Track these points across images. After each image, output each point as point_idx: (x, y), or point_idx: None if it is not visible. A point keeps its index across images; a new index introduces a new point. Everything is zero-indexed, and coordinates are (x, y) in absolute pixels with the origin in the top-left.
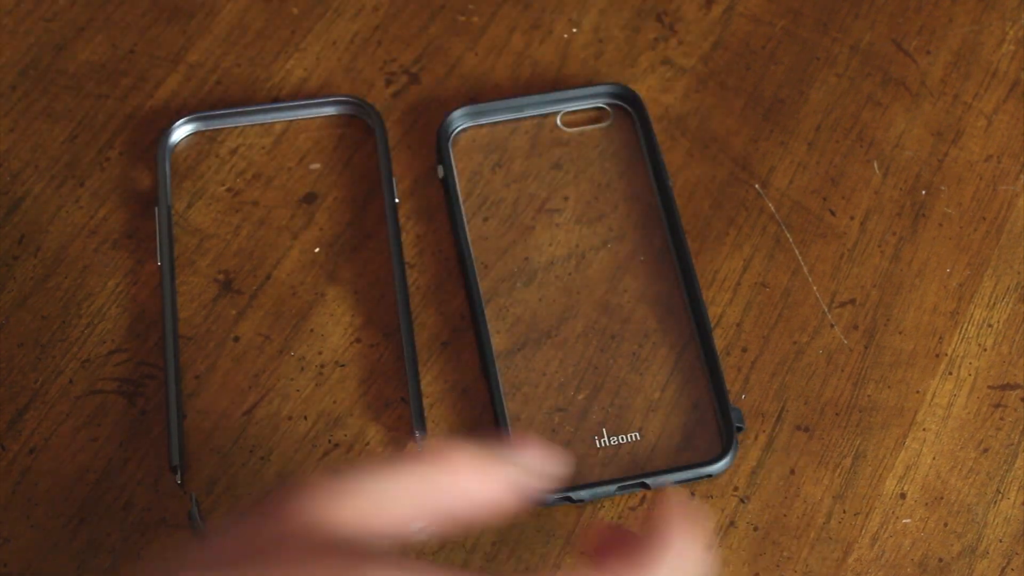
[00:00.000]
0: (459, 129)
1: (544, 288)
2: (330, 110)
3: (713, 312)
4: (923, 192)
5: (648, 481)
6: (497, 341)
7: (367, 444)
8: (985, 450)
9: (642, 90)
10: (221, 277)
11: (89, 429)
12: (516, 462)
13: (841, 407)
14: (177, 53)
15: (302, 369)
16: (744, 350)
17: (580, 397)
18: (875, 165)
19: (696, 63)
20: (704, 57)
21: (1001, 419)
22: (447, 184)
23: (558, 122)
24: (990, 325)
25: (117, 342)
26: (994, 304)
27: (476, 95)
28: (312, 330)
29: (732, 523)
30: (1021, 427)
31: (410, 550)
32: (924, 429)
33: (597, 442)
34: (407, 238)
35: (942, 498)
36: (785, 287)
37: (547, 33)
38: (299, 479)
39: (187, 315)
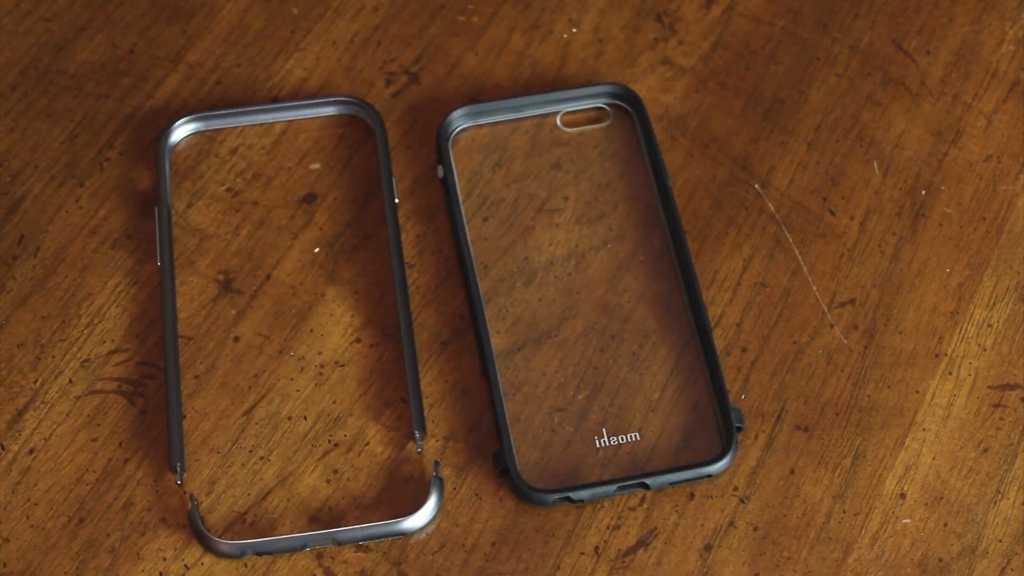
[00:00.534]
0: (459, 129)
1: (544, 288)
2: (330, 110)
3: (713, 312)
4: (923, 192)
5: (648, 481)
6: (497, 341)
7: (367, 444)
8: (985, 450)
9: (642, 90)
10: (221, 277)
11: (89, 429)
12: None
13: (841, 407)
14: (177, 53)
15: (302, 369)
16: (744, 350)
17: (580, 397)
18: (875, 165)
19: (696, 63)
20: (704, 57)
21: (1001, 419)
22: (447, 184)
23: (558, 122)
24: (990, 325)
25: (117, 342)
26: (994, 304)
27: (476, 95)
28: (312, 330)
29: (732, 523)
30: (1021, 427)
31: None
32: (924, 429)
33: (597, 442)
34: (407, 238)
35: (942, 498)
36: (785, 287)
37: (547, 33)
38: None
39: (187, 315)
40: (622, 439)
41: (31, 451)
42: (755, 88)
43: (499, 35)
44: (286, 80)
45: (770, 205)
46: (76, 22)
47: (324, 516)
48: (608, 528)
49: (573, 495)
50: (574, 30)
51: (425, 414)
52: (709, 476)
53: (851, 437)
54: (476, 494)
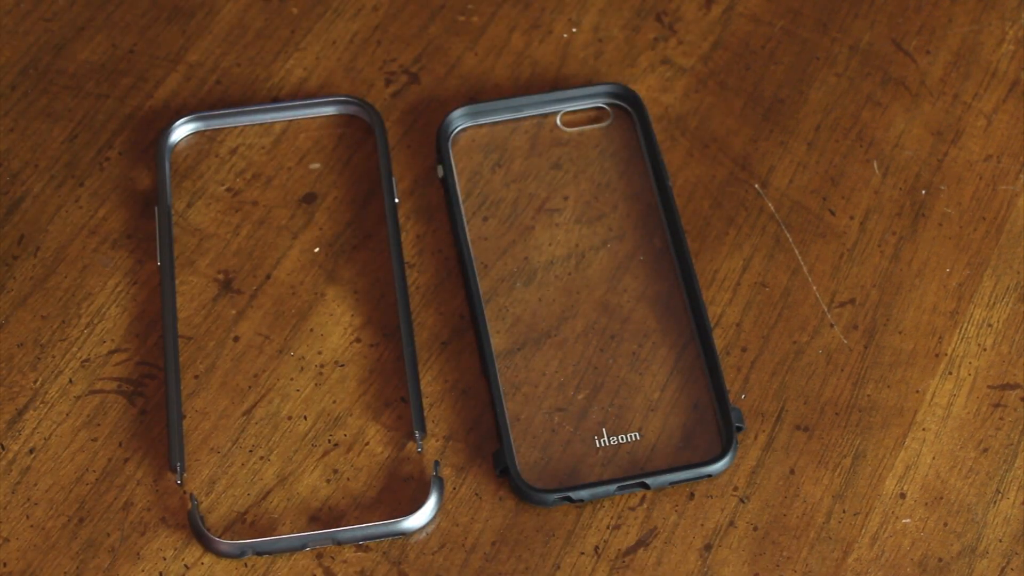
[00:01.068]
0: (459, 129)
1: (544, 288)
2: (330, 110)
3: (713, 312)
4: (923, 192)
5: (648, 481)
6: (497, 341)
7: (367, 444)
8: (985, 450)
9: (642, 90)
10: (221, 277)
11: (89, 429)
12: None
13: (841, 407)
14: (177, 53)
15: (302, 369)
16: (744, 350)
17: (580, 397)
18: (875, 165)
19: (696, 63)
20: (704, 57)
21: (1001, 419)
22: (447, 184)
23: (558, 122)
24: (990, 325)
25: (117, 342)
26: (994, 304)
27: (476, 95)
28: (312, 330)
29: (732, 523)
30: (1021, 427)
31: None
32: (924, 429)
33: (597, 442)
34: (407, 238)
35: (942, 498)
36: (785, 287)
37: (547, 33)
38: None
39: (187, 315)
40: (622, 439)
41: (31, 451)
42: (755, 88)
43: (499, 35)
44: (286, 80)
45: (770, 205)
46: (76, 22)
47: (324, 516)
48: (608, 528)
49: (573, 495)
50: (574, 30)
51: (425, 414)
52: (709, 476)
53: (851, 437)
54: (476, 494)
